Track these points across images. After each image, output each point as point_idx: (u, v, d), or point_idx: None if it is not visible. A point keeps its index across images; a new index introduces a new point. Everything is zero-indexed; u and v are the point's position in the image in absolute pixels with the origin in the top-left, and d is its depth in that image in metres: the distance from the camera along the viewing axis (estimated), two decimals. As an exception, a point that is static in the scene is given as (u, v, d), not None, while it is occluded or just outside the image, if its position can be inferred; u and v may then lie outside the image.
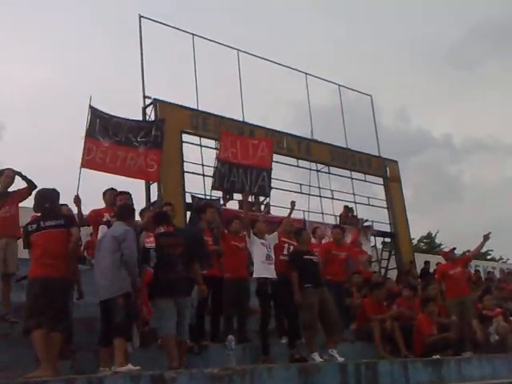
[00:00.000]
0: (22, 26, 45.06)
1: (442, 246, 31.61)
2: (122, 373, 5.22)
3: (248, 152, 11.63)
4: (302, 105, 18.09)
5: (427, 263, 17.10)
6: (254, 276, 7.94)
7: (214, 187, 10.27)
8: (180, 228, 7.69)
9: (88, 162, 8.22)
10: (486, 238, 10.43)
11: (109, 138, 8.47)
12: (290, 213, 9.56)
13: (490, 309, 10.93)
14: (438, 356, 8.67)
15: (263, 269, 7.88)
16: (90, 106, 8.37)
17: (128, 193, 7.10)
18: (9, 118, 50.18)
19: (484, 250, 20.02)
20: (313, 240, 9.57)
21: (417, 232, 33.05)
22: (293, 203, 9.54)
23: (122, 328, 5.68)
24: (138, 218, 7.79)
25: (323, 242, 10.36)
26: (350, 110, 20.80)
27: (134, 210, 6.68)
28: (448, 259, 10.62)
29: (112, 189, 7.60)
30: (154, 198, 14.27)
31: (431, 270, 15.34)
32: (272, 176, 15.88)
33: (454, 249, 10.90)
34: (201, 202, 14.67)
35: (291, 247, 8.55)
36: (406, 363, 7.71)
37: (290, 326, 7.96)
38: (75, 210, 7.60)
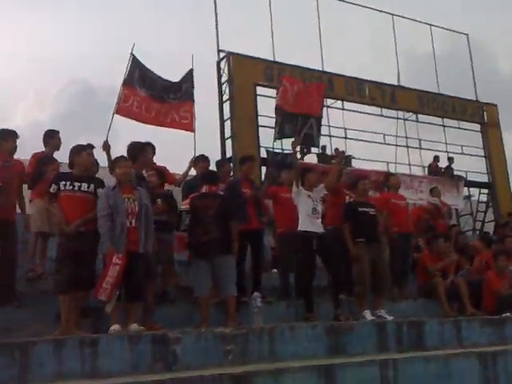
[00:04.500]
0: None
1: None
2: (119, 333, 5.01)
3: (303, 100, 10.77)
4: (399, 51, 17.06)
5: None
6: (298, 229, 7.51)
7: (276, 138, 9.46)
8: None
9: (123, 109, 8.03)
10: None
11: (145, 90, 8.34)
12: (338, 162, 8.89)
13: None
14: (508, 314, 7.94)
15: (309, 223, 7.38)
16: (132, 54, 8.19)
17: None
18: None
19: None
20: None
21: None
22: (340, 153, 8.85)
23: None
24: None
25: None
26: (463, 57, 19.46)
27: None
28: None
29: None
30: (229, 153, 14.22)
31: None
32: (353, 127, 15.34)
33: None
34: (276, 157, 14.45)
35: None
36: (460, 322, 6.98)
37: (335, 282, 7.52)
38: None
